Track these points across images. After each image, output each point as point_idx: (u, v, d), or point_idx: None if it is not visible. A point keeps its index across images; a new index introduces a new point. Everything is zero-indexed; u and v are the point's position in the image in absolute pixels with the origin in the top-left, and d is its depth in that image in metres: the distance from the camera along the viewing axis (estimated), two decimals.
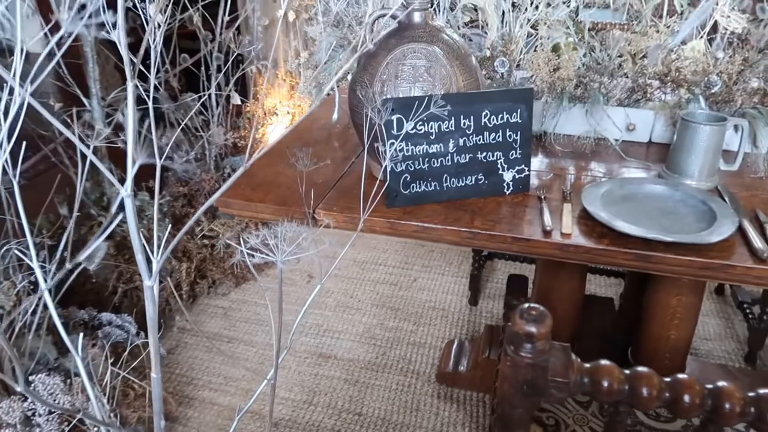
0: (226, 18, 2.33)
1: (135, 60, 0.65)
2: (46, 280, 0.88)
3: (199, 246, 2.17)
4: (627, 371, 0.52)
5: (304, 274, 2.28)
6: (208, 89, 2.32)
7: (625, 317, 1.70)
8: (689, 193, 1.03)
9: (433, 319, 2.03)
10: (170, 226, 1.99)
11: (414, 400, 1.70)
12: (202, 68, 2.31)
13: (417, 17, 1.06)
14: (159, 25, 0.79)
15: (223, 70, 2.30)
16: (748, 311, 1.87)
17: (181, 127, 2.16)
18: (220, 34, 2.33)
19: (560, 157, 1.26)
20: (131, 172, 0.70)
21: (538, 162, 1.25)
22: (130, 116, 0.67)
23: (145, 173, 2.07)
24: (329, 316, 2.06)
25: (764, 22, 1.38)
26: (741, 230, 0.94)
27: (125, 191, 0.71)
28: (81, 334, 1.02)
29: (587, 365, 0.52)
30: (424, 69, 1.03)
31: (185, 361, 1.86)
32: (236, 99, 2.15)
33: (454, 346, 1.83)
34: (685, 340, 1.35)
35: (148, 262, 0.73)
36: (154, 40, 0.76)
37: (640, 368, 0.52)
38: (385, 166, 1.00)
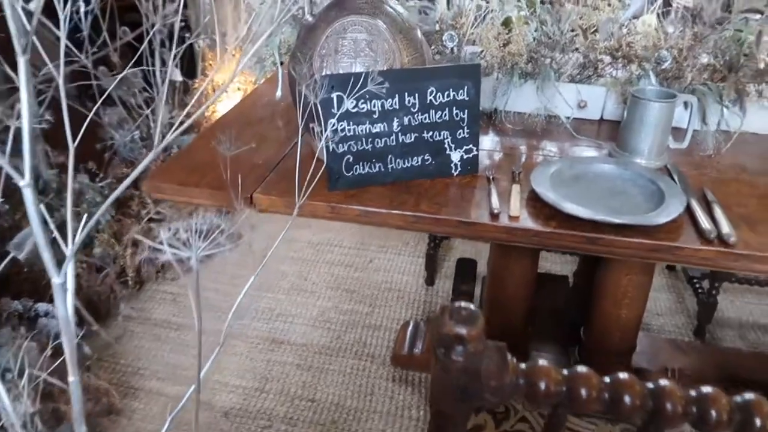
0: None
1: (28, 29, 0.57)
2: None
3: (145, 230, 2.08)
4: (565, 371, 0.48)
5: (257, 256, 2.21)
6: (153, 65, 2.20)
7: (579, 295, 1.70)
8: (638, 173, 1.01)
9: (389, 301, 2.00)
10: (106, 208, 1.89)
11: (368, 384, 1.67)
12: (146, 43, 2.19)
13: None
14: None
15: (170, 46, 2.18)
16: (697, 286, 1.89)
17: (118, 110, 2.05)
18: (163, 6, 2.21)
19: (511, 136, 1.23)
20: (28, 157, 0.63)
21: (488, 141, 1.21)
22: (23, 97, 0.59)
23: (84, 154, 1.95)
24: (282, 299, 2.00)
25: None
26: (689, 210, 0.92)
27: (24, 181, 0.64)
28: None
29: (523, 366, 0.49)
30: (366, 43, 0.97)
31: (131, 350, 1.79)
32: (177, 75, 2.04)
33: (410, 328, 1.80)
34: (636, 318, 1.35)
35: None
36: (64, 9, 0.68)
37: (579, 368, 0.48)
38: (325, 147, 0.95)
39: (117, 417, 1.56)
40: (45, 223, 0.69)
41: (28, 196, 0.65)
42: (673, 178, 1.03)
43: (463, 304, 0.46)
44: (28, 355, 1.43)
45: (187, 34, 2.46)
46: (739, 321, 1.92)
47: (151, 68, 2.17)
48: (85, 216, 0.75)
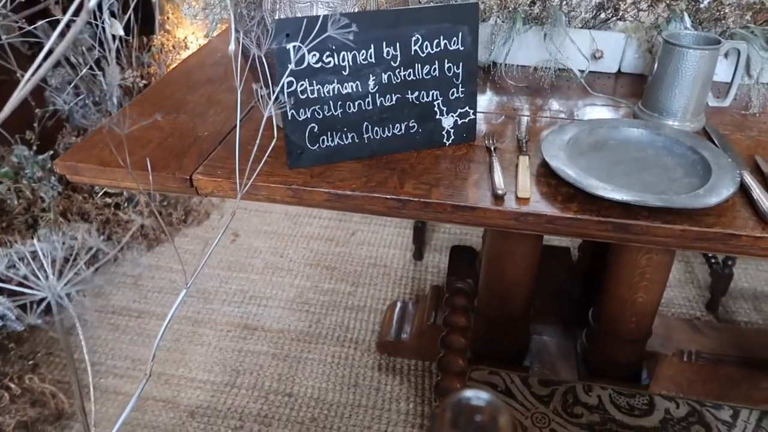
0: None
1: None
2: None
3: (99, 206, 1.86)
4: None
5: (228, 233, 2.01)
6: (103, 23, 1.94)
7: (585, 272, 1.53)
8: (675, 138, 0.81)
9: (374, 278, 1.82)
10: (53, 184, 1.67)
11: (352, 375, 1.50)
12: None
13: None
14: None
15: None
16: (710, 255, 1.73)
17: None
18: None
19: (513, 94, 1.02)
20: None
21: (485, 101, 1.00)
22: None
23: (21, 123, 1.65)
24: (256, 280, 1.81)
25: None
26: (742, 186, 0.74)
27: None
28: None
29: None
30: None
31: (85, 343, 1.60)
32: (117, 29, 1.78)
33: (397, 309, 1.63)
34: (654, 303, 1.18)
35: None
36: None
37: None
38: (282, 115, 0.74)
39: (68, 422, 1.38)
40: None
41: None
42: (714, 144, 0.84)
43: (473, 396, 0.27)
44: None
45: None
46: (754, 292, 1.77)
47: (99, 23, 1.91)
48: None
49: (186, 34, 2.38)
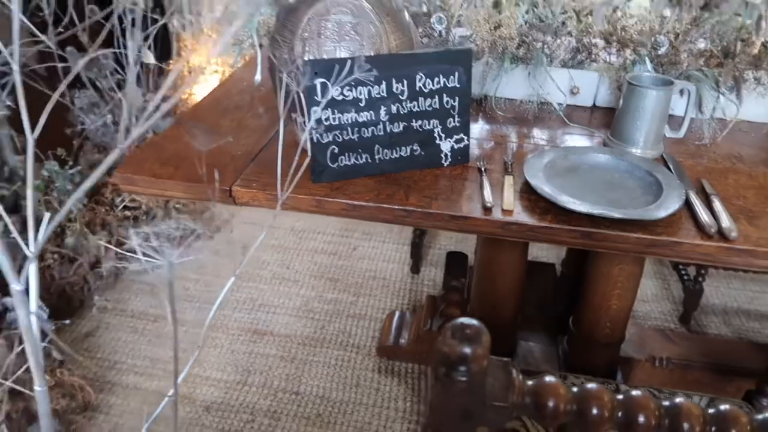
0: None
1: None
2: None
3: (120, 218, 2.01)
4: (575, 389, 0.44)
5: (238, 246, 2.15)
6: (125, 47, 2.10)
7: (567, 284, 1.68)
8: (635, 164, 0.97)
9: (374, 290, 1.96)
10: (76, 197, 1.82)
11: (354, 376, 1.64)
12: (116, 21, 2.09)
13: None
14: None
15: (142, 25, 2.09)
16: (683, 273, 1.89)
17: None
18: None
19: (502, 123, 1.18)
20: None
21: (478, 129, 1.16)
22: None
23: (52, 140, 1.85)
24: (264, 289, 1.95)
25: None
26: (688, 203, 0.89)
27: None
28: None
29: (530, 383, 0.45)
30: (351, 26, 0.91)
31: (107, 343, 1.73)
32: (149, 57, 1.95)
33: (395, 317, 1.77)
34: (626, 310, 1.33)
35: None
36: None
37: (589, 385, 0.44)
38: (309, 138, 0.89)
39: (93, 413, 1.51)
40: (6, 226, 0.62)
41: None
42: (669, 169, 0.99)
43: (466, 321, 0.42)
44: None
45: (156, 15, 2.37)
46: (724, 307, 1.92)
47: (122, 51, 2.07)
48: (48, 214, 0.69)
49: (201, 60, 2.55)
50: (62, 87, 1.12)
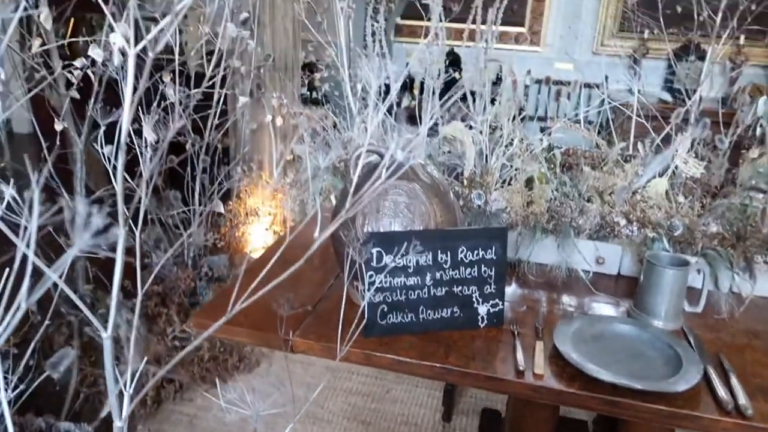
0: (216, 121, 2.43)
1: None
2: (6, 390, 0.85)
3: (169, 348, 2.13)
4: None
5: (275, 383, 2.23)
6: (193, 188, 2.37)
7: None
8: (656, 335, 1.07)
9: None
10: (140, 327, 1.96)
11: None
12: (188, 168, 2.37)
13: (400, 155, 1.12)
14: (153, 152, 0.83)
15: (210, 171, 2.37)
16: None
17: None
18: (209, 136, 2.42)
19: (533, 288, 1.30)
20: (113, 313, 0.71)
21: (511, 291, 1.28)
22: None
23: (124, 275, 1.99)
24: (298, 429, 1.99)
25: (722, 152, 1.49)
26: (706, 378, 0.97)
27: (105, 334, 0.72)
28: None
29: None
30: (405, 205, 1.08)
31: None
32: (219, 207, 2.19)
33: None
34: None
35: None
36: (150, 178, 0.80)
37: None
38: (365, 298, 1.03)
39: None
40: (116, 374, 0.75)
41: (108, 348, 0.72)
42: (689, 342, 1.08)
43: None
44: None
45: (225, 160, 2.67)
46: None
47: (197, 205, 2.33)
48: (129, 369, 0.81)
49: (256, 202, 2.81)
50: (139, 231, 1.30)
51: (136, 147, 0.84)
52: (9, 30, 0.77)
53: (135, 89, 0.62)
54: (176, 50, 1.95)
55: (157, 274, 2.36)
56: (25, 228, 0.61)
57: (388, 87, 0.86)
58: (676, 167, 1.34)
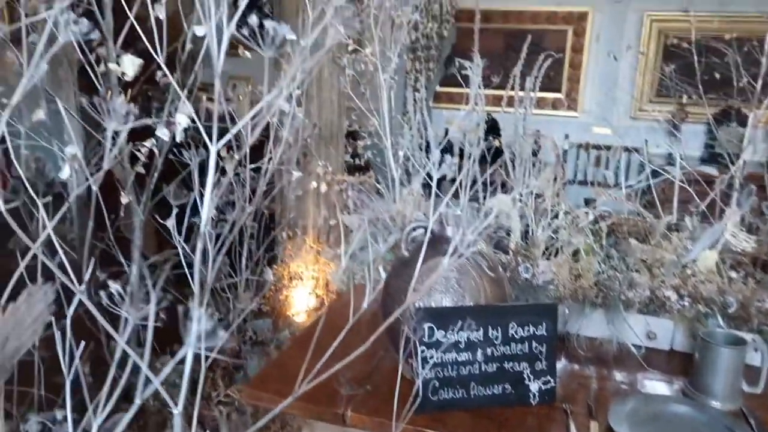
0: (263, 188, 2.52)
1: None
2: None
3: (213, 415, 2.14)
4: None
5: None
6: (240, 252, 2.44)
7: None
8: (715, 417, 1.04)
9: None
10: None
11: None
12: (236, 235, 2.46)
13: (450, 231, 1.16)
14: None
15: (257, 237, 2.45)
16: None
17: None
18: (256, 203, 2.51)
19: (583, 363, 1.29)
20: (183, 391, 0.75)
21: (561, 366, 1.27)
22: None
23: (169, 338, 2.08)
24: None
25: None
26: None
27: (176, 409, 0.75)
28: None
29: None
30: (456, 280, 1.11)
31: None
32: (269, 275, 2.25)
33: None
34: None
35: None
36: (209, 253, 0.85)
37: None
38: (415, 373, 1.04)
39: None
40: None
41: (178, 424, 0.75)
42: (750, 425, 1.05)
43: None
44: None
45: (271, 224, 2.76)
46: None
47: (244, 270, 2.40)
48: None
49: (300, 266, 2.86)
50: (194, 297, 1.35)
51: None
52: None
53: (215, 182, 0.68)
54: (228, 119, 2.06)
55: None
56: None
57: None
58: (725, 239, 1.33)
